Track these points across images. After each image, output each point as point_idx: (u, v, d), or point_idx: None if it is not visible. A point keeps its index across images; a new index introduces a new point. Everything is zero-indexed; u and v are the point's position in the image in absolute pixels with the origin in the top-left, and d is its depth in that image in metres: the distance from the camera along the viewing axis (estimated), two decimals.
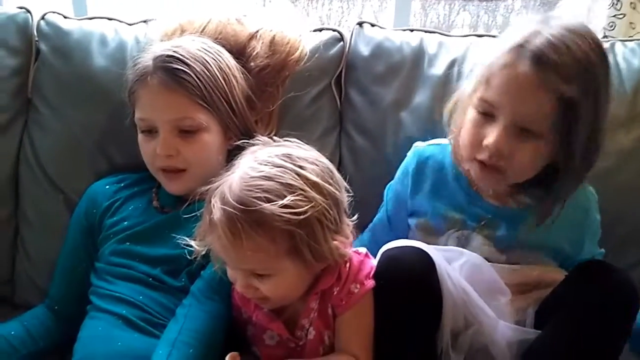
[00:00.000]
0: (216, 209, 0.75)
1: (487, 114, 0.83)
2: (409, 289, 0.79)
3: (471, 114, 0.86)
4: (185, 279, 0.88)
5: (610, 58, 1.08)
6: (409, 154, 1.00)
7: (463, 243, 0.90)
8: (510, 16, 2.96)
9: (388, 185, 1.01)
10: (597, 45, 0.80)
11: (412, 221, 0.96)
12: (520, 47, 0.79)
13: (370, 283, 0.82)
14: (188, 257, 0.84)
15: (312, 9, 3.03)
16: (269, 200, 0.73)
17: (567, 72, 0.76)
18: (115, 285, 0.90)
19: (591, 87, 0.78)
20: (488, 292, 0.84)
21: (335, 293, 0.82)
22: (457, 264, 0.85)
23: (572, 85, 0.76)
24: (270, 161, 0.78)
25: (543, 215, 0.87)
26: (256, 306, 0.85)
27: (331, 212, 0.78)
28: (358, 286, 0.82)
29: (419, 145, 0.99)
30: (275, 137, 0.85)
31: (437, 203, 0.92)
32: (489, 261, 0.88)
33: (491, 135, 0.81)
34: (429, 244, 0.85)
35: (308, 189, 0.76)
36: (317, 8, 3.04)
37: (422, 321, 0.80)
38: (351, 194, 0.84)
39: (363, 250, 0.87)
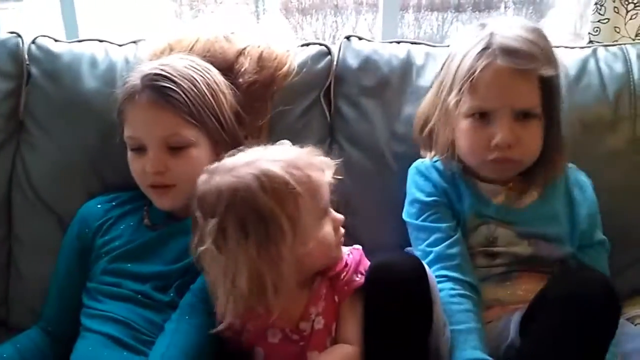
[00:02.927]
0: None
1: (482, 117, 0.89)
2: (400, 290, 0.79)
3: (464, 124, 0.91)
4: (174, 294, 0.88)
5: (592, 63, 1.12)
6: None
7: (492, 236, 0.93)
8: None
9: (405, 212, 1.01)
10: (535, 27, 0.91)
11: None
12: (485, 50, 0.87)
13: None
14: (178, 273, 0.84)
15: (306, 24, 3.05)
16: None
17: (533, 54, 0.86)
18: (105, 304, 0.90)
19: (552, 60, 0.89)
20: None
21: (343, 278, 0.84)
22: None
23: (542, 63, 0.86)
24: None
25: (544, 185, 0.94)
26: None
27: None
28: (359, 276, 0.84)
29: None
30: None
31: (459, 206, 0.95)
32: (520, 256, 0.92)
33: (498, 134, 0.87)
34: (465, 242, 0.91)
35: None
36: (311, 23, 3.07)
37: (414, 322, 0.80)
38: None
39: (359, 247, 0.90)
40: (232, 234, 0.75)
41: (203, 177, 0.80)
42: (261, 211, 0.75)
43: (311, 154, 0.84)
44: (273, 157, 0.79)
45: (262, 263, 0.76)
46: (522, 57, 0.85)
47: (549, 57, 0.88)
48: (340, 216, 0.87)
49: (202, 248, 0.77)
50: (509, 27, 0.89)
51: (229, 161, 0.81)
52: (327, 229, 0.83)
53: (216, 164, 0.81)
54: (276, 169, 0.77)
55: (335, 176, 0.84)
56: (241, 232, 0.75)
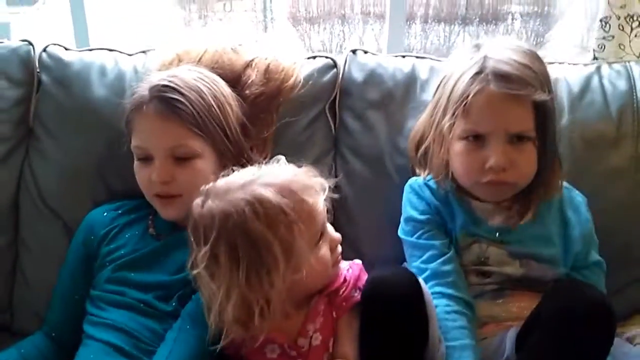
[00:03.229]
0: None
1: (476, 139, 0.89)
2: (396, 305, 0.79)
3: (459, 146, 0.91)
4: (176, 303, 0.89)
5: (596, 80, 1.12)
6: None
7: (483, 255, 0.93)
8: (510, 36, 3.01)
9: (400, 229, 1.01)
10: (530, 50, 0.91)
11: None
12: (478, 74, 0.87)
13: None
14: (181, 283, 0.85)
15: (313, 33, 3.07)
16: None
17: (526, 79, 0.85)
18: (108, 312, 0.91)
19: (546, 84, 0.88)
20: None
21: (341, 294, 0.84)
22: None
23: (535, 89, 0.85)
24: None
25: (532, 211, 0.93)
26: None
27: None
28: (357, 292, 0.85)
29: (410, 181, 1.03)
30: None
31: (451, 224, 0.96)
32: (511, 276, 0.92)
33: (492, 157, 0.87)
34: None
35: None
36: (319, 32, 3.08)
37: (410, 337, 0.80)
38: None
39: (359, 261, 0.90)
40: (224, 262, 0.75)
41: (197, 201, 0.79)
42: (253, 238, 0.74)
43: (307, 174, 0.82)
44: (267, 181, 0.78)
45: (251, 291, 0.75)
46: (515, 82, 0.85)
47: (542, 82, 0.88)
48: (337, 235, 0.86)
49: (195, 272, 0.78)
50: (503, 49, 0.89)
51: (223, 183, 0.80)
52: (324, 250, 0.82)
53: (211, 184, 0.80)
54: (269, 194, 0.76)
55: (332, 195, 0.83)
56: (233, 260, 0.74)
